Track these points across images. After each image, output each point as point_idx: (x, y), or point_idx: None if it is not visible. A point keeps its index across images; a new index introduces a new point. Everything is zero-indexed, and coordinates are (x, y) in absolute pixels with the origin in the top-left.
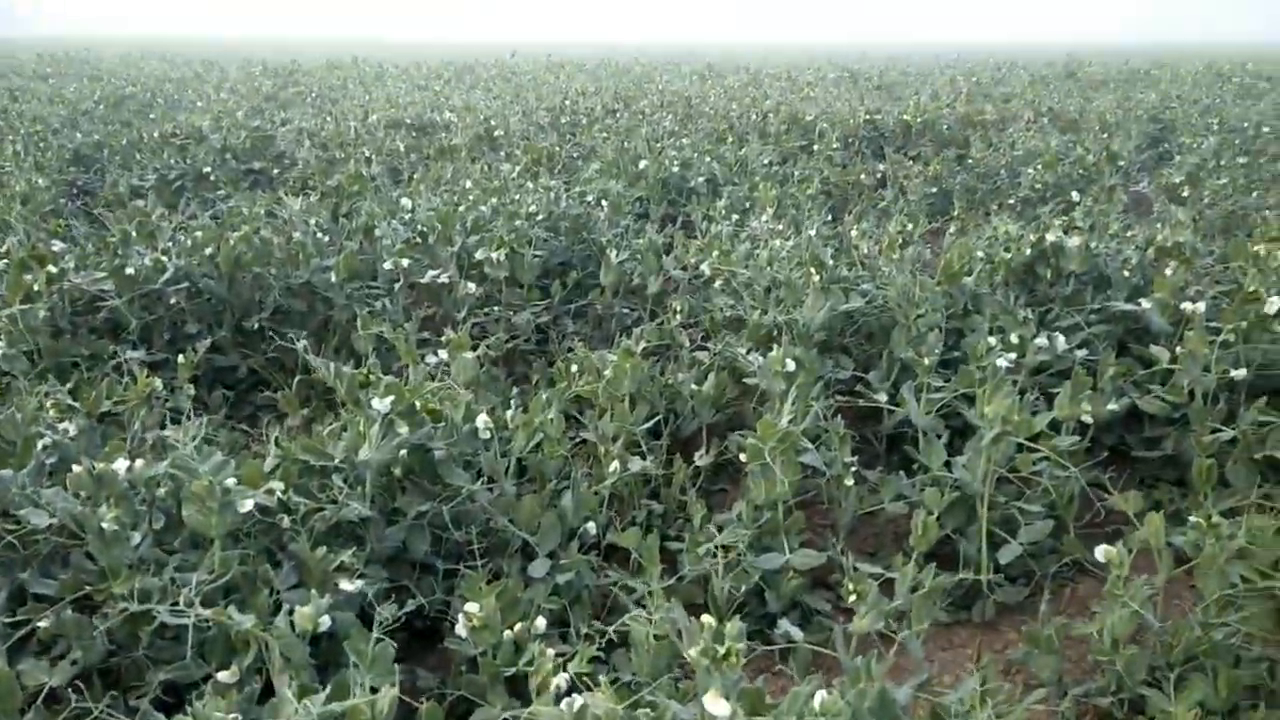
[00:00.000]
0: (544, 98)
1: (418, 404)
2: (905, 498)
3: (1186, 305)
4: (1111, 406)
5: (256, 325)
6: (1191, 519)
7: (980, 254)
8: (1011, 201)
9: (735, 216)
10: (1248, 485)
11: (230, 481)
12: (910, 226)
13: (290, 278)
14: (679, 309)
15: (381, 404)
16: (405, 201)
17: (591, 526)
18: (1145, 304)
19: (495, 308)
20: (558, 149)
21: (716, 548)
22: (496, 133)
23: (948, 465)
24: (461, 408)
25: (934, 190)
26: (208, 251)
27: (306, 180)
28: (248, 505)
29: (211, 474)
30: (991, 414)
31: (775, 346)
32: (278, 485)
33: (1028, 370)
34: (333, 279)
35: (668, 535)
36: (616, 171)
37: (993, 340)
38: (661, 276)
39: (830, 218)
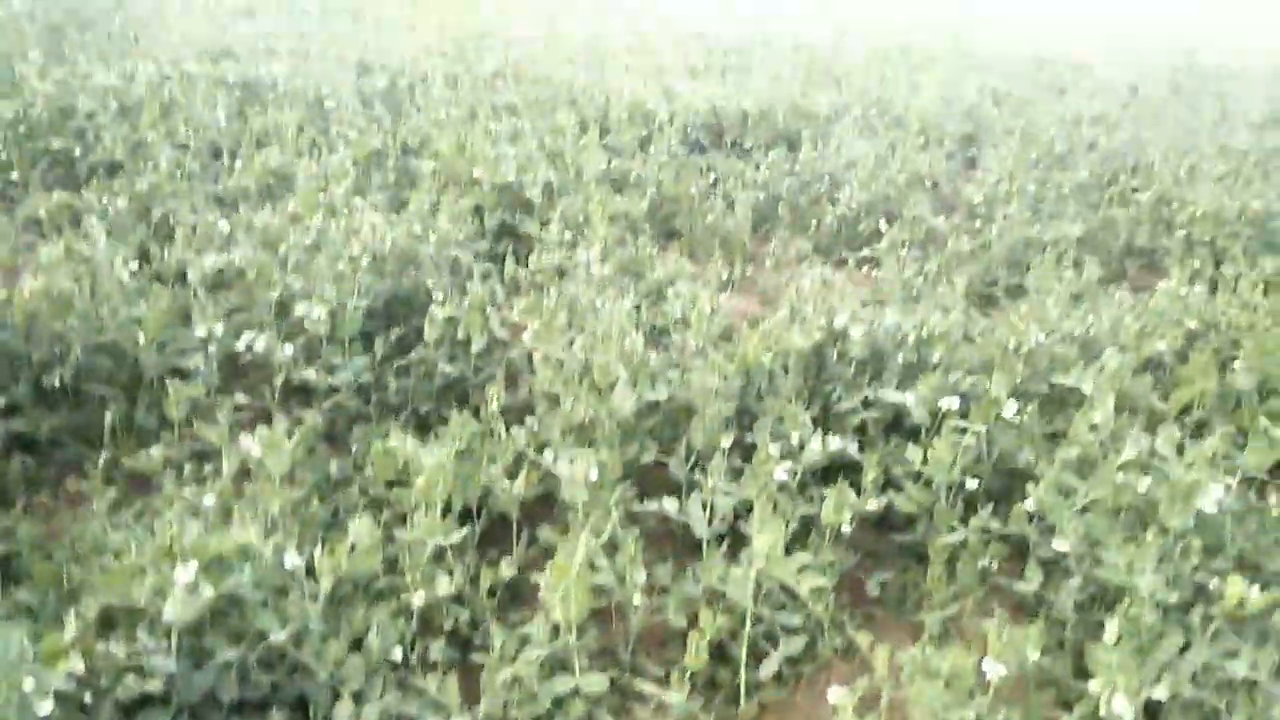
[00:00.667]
0: (383, 51)
1: (224, 551)
2: (691, 598)
3: (943, 402)
4: (872, 506)
5: (58, 382)
6: (911, 651)
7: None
8: (830, 220)
9: (568, 235)
10: (973, 588)
11: (29, 684)
12: (726, 275)
13: (95, 333)
14: (495, 397)
15: (185, 573)
16: (223, 225)
17: (398, 652)
18: (910, 399)
19: (314, 369)
20: (390, 142)
21: (512, 678)
22: (328, 104)
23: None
24: (270, 546)
25: (762, 196)
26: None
27: (114, 166)
28: (47, 708)
29: (9, 670)
30: (759, 548)
31: (587, 439)
32: (78, 667)
33: (806, 466)
34: (141, 339)
35: (472, 643)
36: (452, 173)
37: (774, 449)
38: (486, 335)
39: (656, 249)
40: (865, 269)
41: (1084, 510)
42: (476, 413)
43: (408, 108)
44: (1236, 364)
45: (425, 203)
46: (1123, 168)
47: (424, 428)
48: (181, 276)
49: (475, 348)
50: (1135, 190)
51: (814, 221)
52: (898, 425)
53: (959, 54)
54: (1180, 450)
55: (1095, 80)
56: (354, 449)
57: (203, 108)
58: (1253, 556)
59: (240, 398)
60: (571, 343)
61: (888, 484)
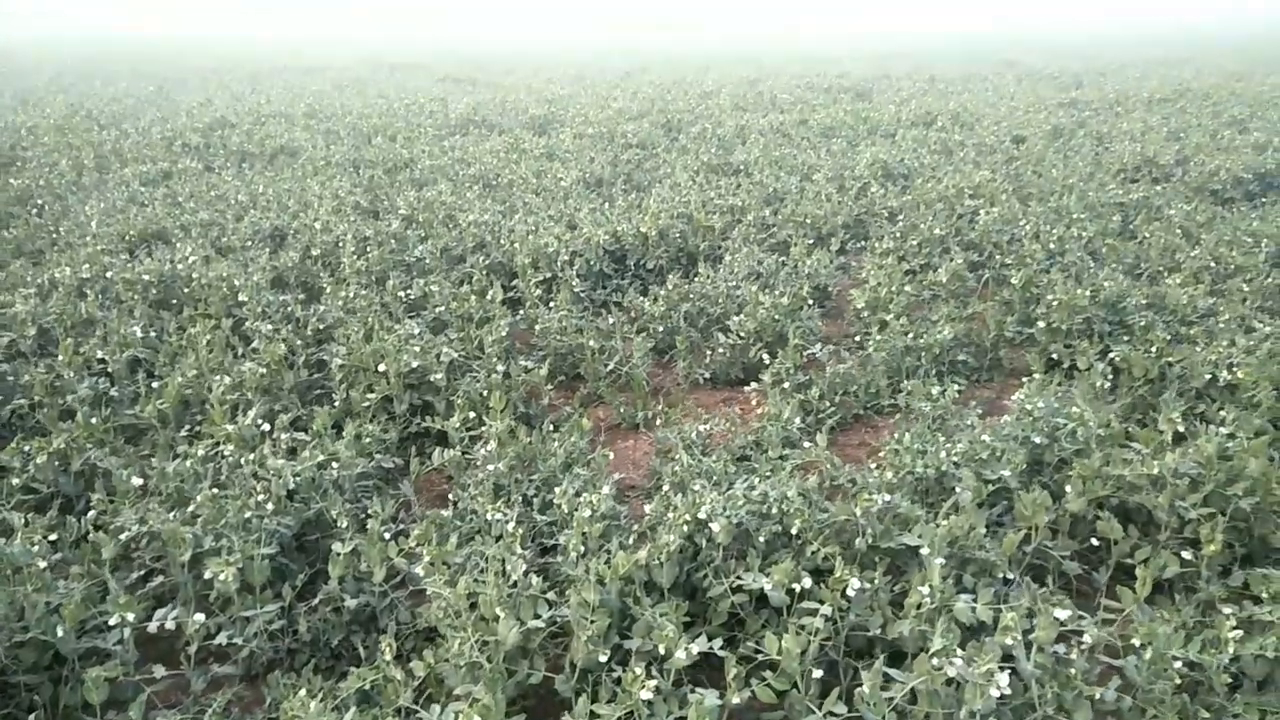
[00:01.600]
0: (297, 208)
1: None
2: None
3: (795, 585)
4: (735, 700)
5: None
6: None
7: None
8: (721, 350)
9: (471, 416)
10: None
11: None
12: (625, 419)
13: (14, 636)
14: (388, 649)
15: None
16: (136, 480)
17: None
18: (767, 585)
19: (224, 635)
20: (300, 338)
21: None
22: (241, 296)
23: None
24: None
25: (661, 330)
26: None
27: (35, 406)
28: None
29: None
30: None
31: (476, 672)
32: None
33: (677, 667)
34: (60, 632)
35: None
36: (361, 364)
37: (639, 669)
38: (386, 565)
39: (552, 425)
40: (755, 400)
41: (907, 698)
42: (385, 633)
43: (321, 280)
44: (1068, 487)
45: (335, 401)
46: (999, 245)
47: (338, 656)
48: (97, 559)
49: (377, 578)
50: (1008, 266)
51: (709, 351)
52: (767, 599)
53: (856, 119)
54: (995, 617)
55: (981, 134)
56: (267, 700)
57: (119, 322)
58: (1059, 715)
59: (159, 669)
60: (458, 577)
61: (754, 668)
